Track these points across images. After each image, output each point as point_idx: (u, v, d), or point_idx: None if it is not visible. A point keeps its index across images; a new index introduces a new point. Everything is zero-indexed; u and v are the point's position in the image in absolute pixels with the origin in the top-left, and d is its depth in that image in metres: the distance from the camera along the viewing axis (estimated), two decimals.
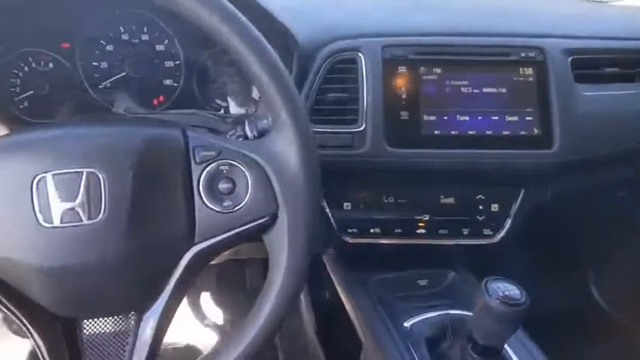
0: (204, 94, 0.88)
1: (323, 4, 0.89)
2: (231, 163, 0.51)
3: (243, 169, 0.51)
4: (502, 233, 0.84)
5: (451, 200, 0.84)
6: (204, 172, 0.50)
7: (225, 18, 0.48)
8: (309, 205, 0.51)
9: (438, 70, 0.77)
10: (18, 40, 0.80)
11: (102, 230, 0.47)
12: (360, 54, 0.77)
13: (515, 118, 0.77)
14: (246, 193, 0.50)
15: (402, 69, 0.77)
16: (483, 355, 0.60)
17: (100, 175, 0.47)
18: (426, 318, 0.76)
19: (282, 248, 0.50)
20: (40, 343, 0.49)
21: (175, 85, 0.86)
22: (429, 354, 0.70)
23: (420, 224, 0.84)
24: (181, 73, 0.85)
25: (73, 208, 0.46)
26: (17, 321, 0.49)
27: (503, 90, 0.77)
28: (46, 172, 0.46)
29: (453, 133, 0.77)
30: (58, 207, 0.46)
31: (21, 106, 0.83)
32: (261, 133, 0.61)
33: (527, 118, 0.77)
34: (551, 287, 1.18)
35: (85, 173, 0.46)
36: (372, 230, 0.83)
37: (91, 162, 0.47)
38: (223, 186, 0.50)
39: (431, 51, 0.78)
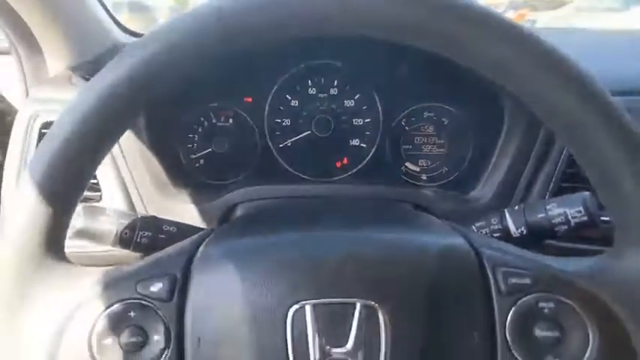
0: (396, 157, 0.75)
1: None
2: (559, 300, 0.35)
3: (579, 311, 0.35)
4: None
5: None
6: (515, 308, 0.35)
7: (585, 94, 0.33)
8: None
9: None
10: (201, 95, 0.73)
11: None
12: None
13: None
14: (585, 348, 0.34)
15: None
16: None
17: (379, 310, 0.33)
18: None
19: None
20: None
21: (364, 145, 0.74)
22: None
23: None
24: (376, 133, 0.73)
25: (343, 357, 0.32)
26: None
27: None
28: (304, 301, 0.33)
29: None
30: (320, 354, 0.32)
31: (197, 165, 0.75)
32: (531, 229, 0.46)
33: None
34: None
35: (358, 306, 0.33)
36: None
37: (367, 290, 0.34)
38: (545, 334, 0.34)
39: None
